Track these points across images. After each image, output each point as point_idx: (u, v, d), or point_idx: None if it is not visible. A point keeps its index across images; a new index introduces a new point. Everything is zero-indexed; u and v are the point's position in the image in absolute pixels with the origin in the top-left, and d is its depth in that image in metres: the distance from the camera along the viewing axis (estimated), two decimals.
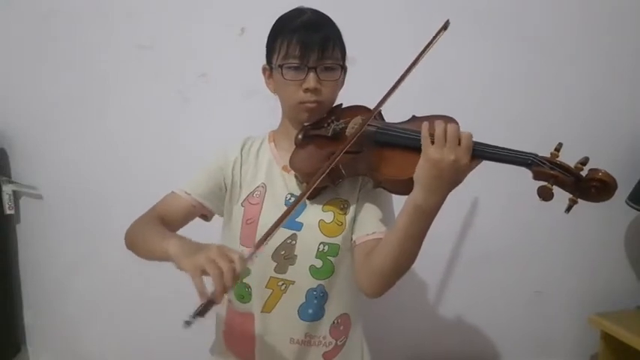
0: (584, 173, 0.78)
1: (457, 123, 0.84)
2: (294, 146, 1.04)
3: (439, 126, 0.79)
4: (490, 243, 1.76)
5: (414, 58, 0.93)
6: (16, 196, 1.62)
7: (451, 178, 0.79)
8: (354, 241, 1.01)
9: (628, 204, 1.69)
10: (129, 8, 1.56)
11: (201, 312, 0.74)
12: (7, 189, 1.58)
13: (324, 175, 0.89)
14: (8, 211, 1.59)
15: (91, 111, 1.60)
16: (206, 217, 1.10)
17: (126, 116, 1.60)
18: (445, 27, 0.95)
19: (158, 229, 0.96)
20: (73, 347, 1.71)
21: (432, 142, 0.79)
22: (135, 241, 0.99)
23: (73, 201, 1.63)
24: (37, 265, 1.68)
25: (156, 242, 0.89)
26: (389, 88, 0.92)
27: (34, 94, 1.59)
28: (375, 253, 0.92)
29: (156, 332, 1.65)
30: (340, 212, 1.02)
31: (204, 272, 0.75)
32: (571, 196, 0.79)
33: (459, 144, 0.78)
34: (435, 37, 0.94)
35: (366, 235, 0.99)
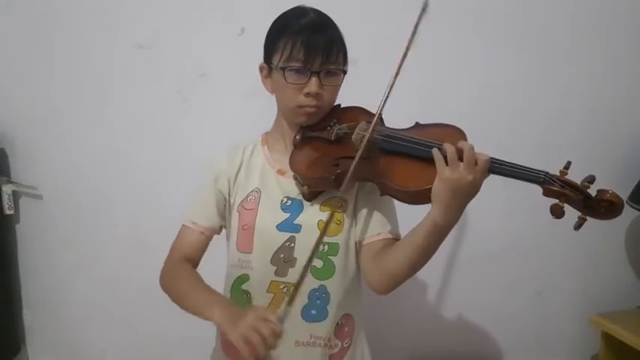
0: (592, 192, 0.82)
1: (464, 133, 0.88)
2: (288, 148, 1.03)
3: (450, 148, 0.81)
4: (490, 243, 1.76)
5: (403, 51, 0.90)
6: (15, 196, 1.61)
7: (468, 194, 0.82)
8: (360, 242, 1.02)
9: (628, 204, 1.68)
10: (128, 8, 1.56)
11: None
12: (7, 189, 1.58)
13: (326, 181, 0.91)
14: (8, 212, 1.59)
15: (91, 111, 1.60)
16: (217, 232, 1.11)
17: (126, 116, 1.60)
18: (424, 8, 0.92)
19: (197, 287, 0.98)
20: (72, 347, 1.70)
21: (447, 164, 0.80)
22: (174, 297, 1.01)
23: (73, 201, 1.63)
24: (37, 265, 1.68)
25: (198, 306, 0.94)
26: (387, 88, 0.90)
27: (34, 94, 1.58)
28: (388, 256, 0.94)
29: (156, 332, 1.65)
30: (338, 211, 1.01)
31: (248, 340, 0.79)
32: (580, 214, 0.82)
33: (476, 164, 0.80)
34: (418, 23, 0.92)
35: (372, 236, 1.00)
